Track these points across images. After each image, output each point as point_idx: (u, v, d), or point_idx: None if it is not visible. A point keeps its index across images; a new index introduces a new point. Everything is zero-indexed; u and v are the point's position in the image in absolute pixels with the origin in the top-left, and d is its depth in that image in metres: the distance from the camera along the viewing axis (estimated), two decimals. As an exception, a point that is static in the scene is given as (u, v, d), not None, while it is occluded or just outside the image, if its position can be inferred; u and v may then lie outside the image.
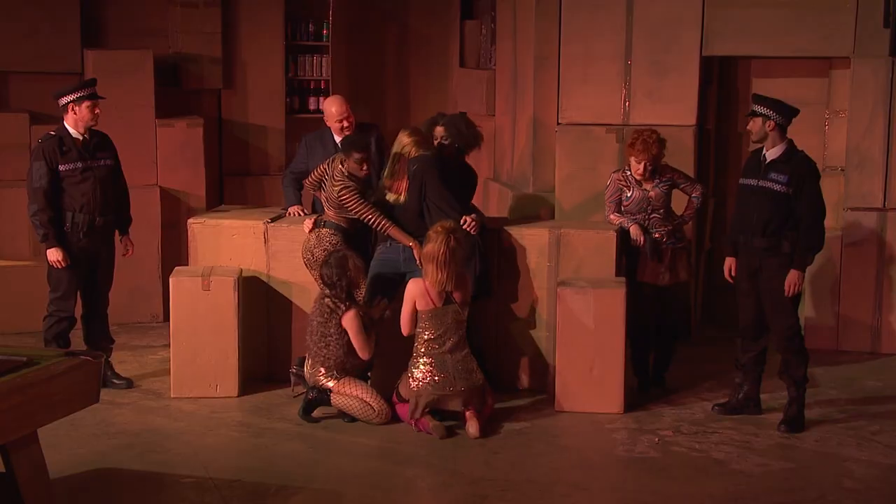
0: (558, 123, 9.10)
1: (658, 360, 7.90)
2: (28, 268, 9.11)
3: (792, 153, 7.06)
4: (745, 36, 8.87)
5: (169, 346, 7.70)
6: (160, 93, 9.61)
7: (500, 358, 7.77)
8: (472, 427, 6.91)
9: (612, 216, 7.78)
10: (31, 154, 7.69)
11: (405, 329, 7.14)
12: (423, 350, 7.06)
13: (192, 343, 7.55)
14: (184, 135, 9.59)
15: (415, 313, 7.08)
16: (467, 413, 6.97)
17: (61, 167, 7.48)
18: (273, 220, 7.97)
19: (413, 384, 7.01)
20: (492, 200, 9.88)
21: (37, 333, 8.49)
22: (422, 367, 7.02)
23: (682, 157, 8.66)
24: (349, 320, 7.13)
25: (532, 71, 9.23)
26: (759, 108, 7.05)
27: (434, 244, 6.98)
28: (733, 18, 8.85)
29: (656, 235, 7.63)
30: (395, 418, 7.10)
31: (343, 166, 7.44)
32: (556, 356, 7.41)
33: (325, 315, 7.16)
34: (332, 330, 7.14)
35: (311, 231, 7.57)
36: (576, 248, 7.66)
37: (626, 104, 8.98)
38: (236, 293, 7.56)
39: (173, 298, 7.59)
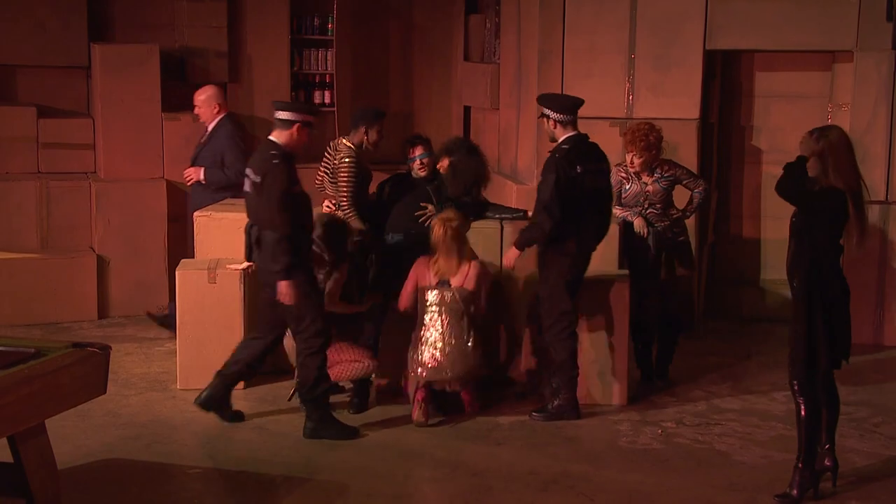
0: (562, 117, 9.12)
1: (661, 352, 7.92)
2: (35, 260, 9.15)
3: None
4: (748, 30, 8.89)
5: (175, 338, 7.76)
6: (166, 87, 9.64)
7: (504, 350, 7.81)
8: (467, 403, 7.15)
9: (615, 209, 7.80)
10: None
11: (401, 303, 7.21)
12: (420, 334, 7.11)
13: (198, 335, 7.58)
14: (190, 128, 9.61)
15: (416, 291, 7.17)
16: (466, 400, 7.17)
17: None
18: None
19: (412, 374, 7.09)
20: (496, 194, 9.89)
21: (43, 325, 8.56)
22: (420, 353, 7.07)
23: (685, 150, 8.70)
24: (338, 277, 7.14)
25: (536, 65, 9.24)
26: None
27: (434, 231, 7.12)
28: (737, 12, 8.87)
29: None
30: (397, 393, 7.31)
31: (349, 141, 7.48)
32: (560, 348, 7.43)
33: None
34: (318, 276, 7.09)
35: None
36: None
37: (630, 98, 9.01)
38: (242, 286, 7.61)
39: (179, 291, 7.62)
